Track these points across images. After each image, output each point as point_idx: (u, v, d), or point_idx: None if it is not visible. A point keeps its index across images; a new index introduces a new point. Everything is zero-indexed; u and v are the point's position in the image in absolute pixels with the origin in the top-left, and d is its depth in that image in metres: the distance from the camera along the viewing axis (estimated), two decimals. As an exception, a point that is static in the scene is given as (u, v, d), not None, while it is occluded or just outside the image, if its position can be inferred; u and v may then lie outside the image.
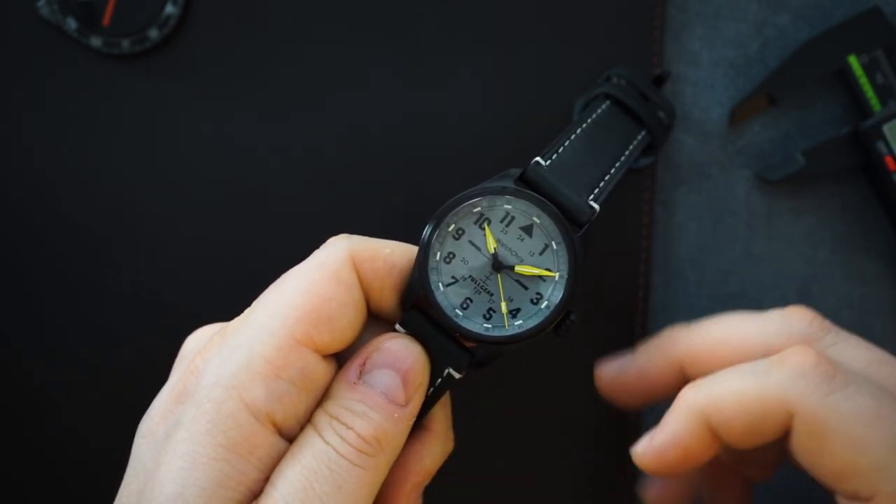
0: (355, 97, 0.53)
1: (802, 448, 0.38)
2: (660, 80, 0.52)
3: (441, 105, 0.53)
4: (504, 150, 0.53)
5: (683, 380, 0.43)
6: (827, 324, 0.42)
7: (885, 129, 0.52)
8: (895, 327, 0.55)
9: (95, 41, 0.52)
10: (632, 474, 0.52)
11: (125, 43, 0.52)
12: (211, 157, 0.53)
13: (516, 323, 0.38)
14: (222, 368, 0.35)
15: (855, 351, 0.41)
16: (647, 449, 0.41)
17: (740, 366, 0.40)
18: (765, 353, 0.40)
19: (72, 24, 0.52)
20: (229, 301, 0.41)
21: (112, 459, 0.42)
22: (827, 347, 0.41)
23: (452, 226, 0.38)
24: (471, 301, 0.38)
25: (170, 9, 0.52)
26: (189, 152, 0.53)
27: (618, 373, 0.46)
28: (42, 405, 0.54)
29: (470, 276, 0.38)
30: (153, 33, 0.52)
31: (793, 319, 0.42)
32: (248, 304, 0.38)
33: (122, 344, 0.54)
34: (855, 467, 0.37)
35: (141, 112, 0.53)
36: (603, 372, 0.47)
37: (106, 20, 0.52)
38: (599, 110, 0.47)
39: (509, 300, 0.38)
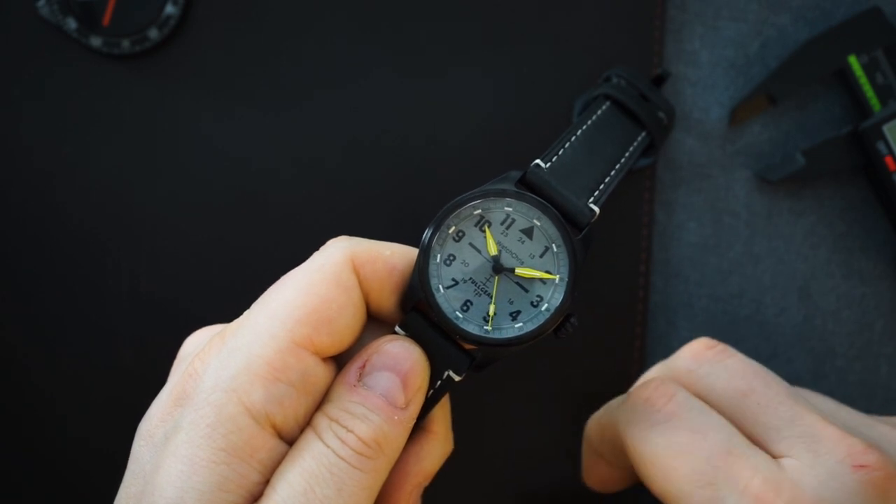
0: (355, 98, 0.53)
1: (636, 471, 0.42)
2: (659, 81, 0.52)
3: (441, 106, 0.53)
4: (504, 152, 0.53)
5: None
6: (710, 354, 0.44)
7: (885, 129, 0.52)
8: (895, 327, 0.55)
9: (95, 41, 0.52)
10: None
11: (125, 43, 0.52)
12: (211, 157, 0.53)
13: (516, 325, 0.38)
14: (222, 371, 0.35)
15: (724, 382, 0.43)
16: None
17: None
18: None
19: (72, 24, 0.52)
20: (229, 302, 0.41)
21: (111, 461, 0.42)
22: (699, 379, 0.43)
23: (453, 228, 0.38)
24: (471, 303, 0.38)
25: (170, 9, 0.52)
26: (189, 152, 0.53)
27: None
28: (41, 406, 0.54)
29: (470, 279, 0.38)
30: (153, 33, 0.52)
31: (679, 359, 0.45)
32: (248, 306, 0.38)
33: (121, 345, 0.54)
34: (664, 495, 0.40)
35: (141, 112, 0.53)
36: None
37: (106, 20, 0.52)
38: (599, 112, 0.47)
39: (509, 302, 0.38)
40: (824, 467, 0.39)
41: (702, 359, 0.44)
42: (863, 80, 0.53)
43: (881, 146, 0.52)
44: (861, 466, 0.39)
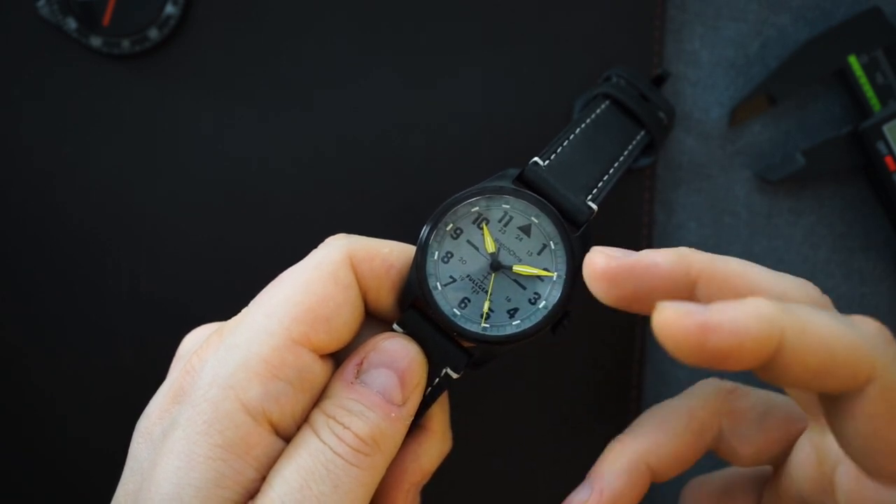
0: (355, 97, 0.53)
1: (866, 416, 0.34)
2: (659, 80, 0.52)
3: (441, 105, 0.53)
4: (505, 152, 0.53)
5: (688, 292, 0.37)
6: (830, 303, 0.38)
7: (885, 129, 0.52)
8: (895, 327, 0.55)
9: (95, 41, 0.52)
10: None
11: (125, 43, 0.52)
12: (210, 157, 0.53)
13: (514, 323, 0.38)
14: (219, 368, 0.35)
15: None
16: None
17: (817, 309, 0.34)
18: (781, 297, 0.36)
19: (72, 24, 0.52)
20: (228, 301, 0.41)
21: (111, 460, 0.42)
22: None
23: (450, 225, 0.38)
24: (469, 301, 0.38)
25: (170, 9, 0.52)
26: (189, 152, 0.53)
27: (621, 261, 0.37)
28: (41, 405, 0.54)
29: (468, 276, 0.38)
30: (153, 33, 0.52)
31: (806, 286, 0.38)
32: (246, 304, 0.38)
33: (121, 344, 0.54)
34: None
35: (141, 112, 0.53)
36: (602, 258, 0.37)
37: (106, 20, 0.52)
38: (598, 110, 0.47)
39: (507, 300, 0.38)
40: None
41: (825, 300, 0.38)
42: (863, 80, 0.53)
43: (881, 146, 0.52)
44: None
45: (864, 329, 0.33)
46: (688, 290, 0.36)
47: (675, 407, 0.42)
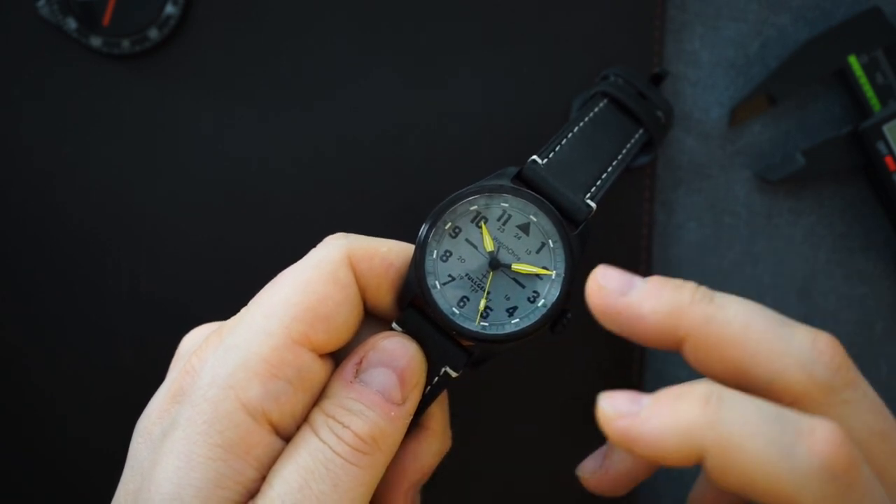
0: (354, 97, 0.53)
1: None
2: (657, 79, 0.52)
3: (440, 104, 0.53)
4: (504, 150, 0.53)
5: (676, 346, 0.36)
6: (850, 374, 0.35)
7: (885, 129, 0.52)
8: (895, 327, 0.55)
9: (95, 41, 0.52)
10: None
11: (125, 43, 0.52)
12: (210, 157, 0.53)
13: (513, 321, 0.38)
14: (219, 368, 0.35)
15: (864, 417, 0.35)
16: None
17: (765, 411, 0.32)
18: (774, 378, 0.34)
19: (72, 24, 0.52)
20: (228, 301, 0.41)
21: (111, 460, 0.42)
22: (839, 404, 0.35)
23: (449, 224, 0.38)
24: (467, 299, 0.38)
25: (170, 9, 0.52)
26: (189, 152, 0.53)
27: (609, 302, 0.36)
28: (41, 405, 0.54)
29: (466, 275, 0.38)
30: (153, 33, 0.52)
31: (821, 357, 0.35)
32: (246, 303, 0.38)
33: (121, 344, 0.54)
34: None
35: (141, 112, 0.53)
36: (595, 291, 0.36)
37: (106, 20, 0.52)
38: (597, 109, 0.47)
39: (506, 298, 0.38)
40: None
41: (841, 376, 0.34)
42: (863, 80, 0.53)
43: (881, 146, 0.52)
44: None
45: (807, 458, 0.31)
46: (676, 344, 0.36)
47: None
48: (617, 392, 0.33)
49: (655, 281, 0.36)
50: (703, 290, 0.35)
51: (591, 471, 0.43)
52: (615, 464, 0.43)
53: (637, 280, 0.36)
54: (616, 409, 0.33)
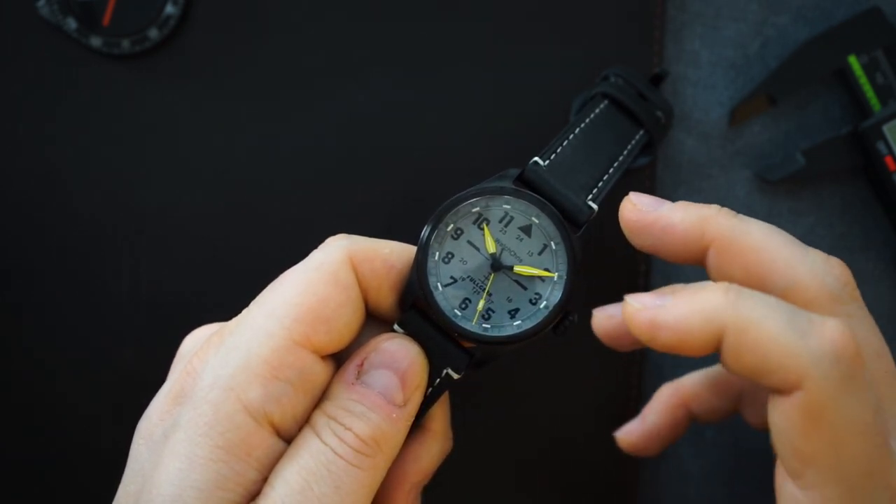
0: (354, 97, 0.53)
1: (784, 418, 0.35)
2: (657, 80, 0.52)
3: (441, 105, 0.53)
4: (504, 150, 0.53)
5: (700, 256, 0.39)
6: (855, 292, 0.39)
7: (885, 129, 0.52)
8: (895, 327, 0.55)
9: (95, 41, 0.52)
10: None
11: (125, 43, 0.52)
12: (210, 157, 0.53)
13: (515, 323, 0.38)
14: (220, 369, 0.35)
15: (865, 333, 0.38)
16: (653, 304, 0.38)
17: (780, 303, 0.35)
18: (790, 284, 0.37)
19: (72, 24, 0.52)
20: (229, 301, 0.41)
21: (110, 459, 0.42)
22: (844, 316, 0.38)
23: (451, 226, 0.38)
24: (469, 301, 0.38)
25: (170, 9, 0.52)
26: (189, 152, 0.53)
27: (642, 216, 0.40)
28: (41, 406, 0.54)
29: (468, 277, 0.38)
30: (153, 33, 0.52)
31: (832, 271, 0.38)
32: (247, 304, 0.38)
33: (120, 343, 0.54)
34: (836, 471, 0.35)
35: (141, 112, 0.53)
36: (628, 208, 0.41)
37: (106, 20, 0.52)
38: (597, 110, 0.47)
39: (508, 300, 0.38)
40: None
41: (848, 292, 0.38)
42: (863, 80, 0.53)
43: (881, 146, 0.52)
44: None
45: (818, 340, 0.34)
46: (702, 252, 0.39)
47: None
48: (639, 294, 0.37)
49: (683, 201, 0.39)
50: (730, 284, 0.36)
51: (629, 431, 0.50)
52: (650, 424, 0.50)
53: (666, 201, 0.40)
54: (642, 302, 0.37)
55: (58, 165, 0.53)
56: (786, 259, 0.38)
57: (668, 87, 0.54)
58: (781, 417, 0.35)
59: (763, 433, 0.53)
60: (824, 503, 0.35)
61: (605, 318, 0.46)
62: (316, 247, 0.38)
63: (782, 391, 0.34)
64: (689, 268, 0.54)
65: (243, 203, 0.53)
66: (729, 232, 0.38)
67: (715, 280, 0.39)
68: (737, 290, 0.35)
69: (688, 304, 0.36)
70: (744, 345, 0.34)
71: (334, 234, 0.39)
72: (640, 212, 0.40)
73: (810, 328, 0.34)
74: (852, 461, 0.34)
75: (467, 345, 0.38)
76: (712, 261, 0.39)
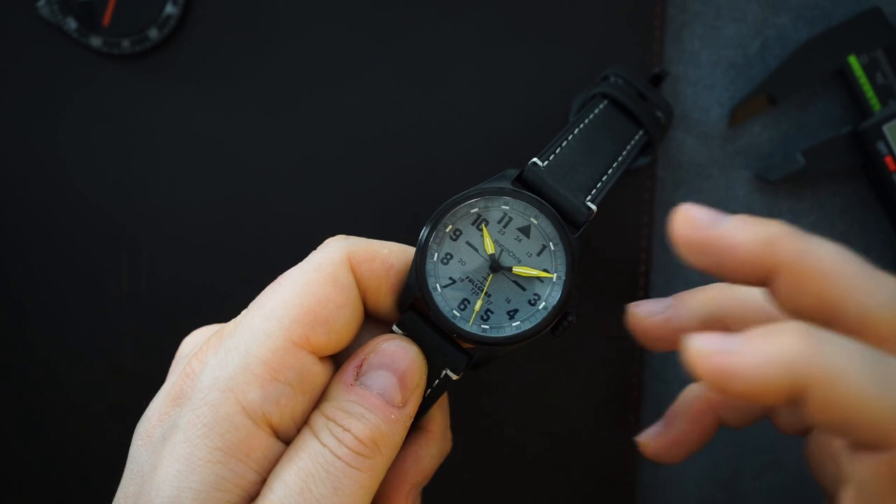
0: (354, 97, 0.53)
1: (875, 476, 0.32)
2: (657, 80, 0.52)
3: (440, 105, 0.53)
4: (504, 151, 0.53)
5: (764, 280, 0.35)
6: None
7: (885, 129, 0.52)
8: (895, 327, 0.55)
9: (95, 41, 0.52)
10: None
11: (125, 43, 0.52)
12: (210, 157, 0.53)
13: (514, 324, 0.38)
14: (219, 371, 0.35)
15: None
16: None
17: (864, 349, 0.32)
18: (863, 318, 0.33)
19: (72, 24, 0.52)
20: (229, 302, 0.41)
21: (110, 461, 0.42)
22: None
23: (450, 227, 0.38)
24: (468, 302, 0.38)
25: (170, 9, 0.52)
26: (189, 152, 0.53)
27: (701, 234, 0.35)
28: (40, 406, 0.54)
29: (467, 278, 0.38)
30: (153, 33, 0.52)
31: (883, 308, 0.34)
32: (246, 305, 0.38)
33: (119, 344, 0.54)
34: None
35: (141, 112, 0.53)
36: (685, 225, 0.36)
37: (106, 20, 0.52)
38: (597, 110, 0.47)
39: (507, 301, 0.38)
40: None
41: None
42: (863, 80, 0.53)
43: (881, 146, 0.52)
44: None
45: None
46: (767, 276, 0.35)
47: None
48: (703, 333, 0.32)
49: (744, 216, 0.35)
50: (807, 326, 0.32)
51: (652, 436, 0.45)
52: (676, 431, 0.45)
53: (724, 215, 0.35)
54: (711, 345, 0.32)
55: (58, 165, 0.53)
56: (861, 288, 0.33)
57: (668, 87, 0.54)
58: (867, 473, 0.32)
59: (767, 434, 0.53)
60: None
61: (641, 316, 0.42)
62: (315, 247, 0.38)
63: (869, 448, 0.32)
64: (690, 270, 0.54)
65: (243, 203, 0.53)
66: (800, 259, 0.34)
67: (781, 307, 0.35)
68: (817, 334, 0.31)
69: (766, 349, 0.31)
70: (830, 401, 0.31)
71: (333, 234, 0.39)
72: (697, 228, 0.35)
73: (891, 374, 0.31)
74: None
75: (466, 345, 0.38)
76: (780, 288, 0.35)
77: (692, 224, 0.35)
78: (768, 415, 0.45)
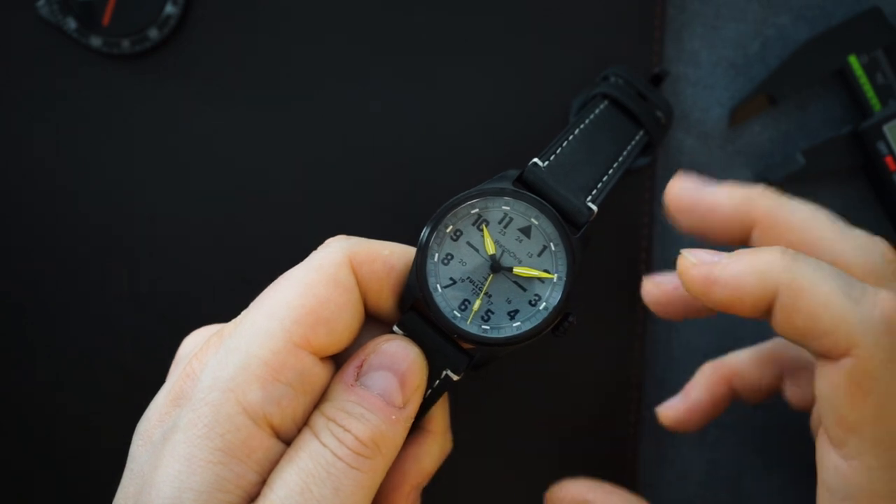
0: (355, 98, 0.53)
1: (831, 384, 0.35)
2: (657, 79, 0.52)
3: (440, 106, 0.53)
4: (504, 152, 0.53)
5: (745, 236, 0.41)
6: None
7: (885, 129, 0.52)
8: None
9: (95, 41, 0.52)
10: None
11: (125, 43, 0.52)
12: (211, 157, 0.53)
13: (514, 325, 0.38)
14: (219, 371, 0.35)
15: None
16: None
17: (836, 270, 0.36)
18: (836, 257, 0.38)
19: (72, 24, 0.52)
20: (229, 301, 0.41)
21: (110, 460, 0.42)
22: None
23: (450, 227, 0.38)
24: (469, 302, 0.38)
25: (170, 9, 0.52)
26: (189, 152, 0.53)
27: (686, 196, 0.42)
28: (41, 407, 0.54)
29: (468, 278, 0.38)
30: (153, 33, 0.52)
31: (877, 247, 0.39)
32: (246, 305, 0.38)
33: (121, 345, 0.54)
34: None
35: (141, 112, 0.53)
36: (675, 188, 0.42)
37: (106, 20, 0.52)
38: (597, 110, 0.47)
39: (507, 301, 0.38)
40: None
41: (892, 269, 0.38)
42: (863, 80, 0.53)
43: (881, 146, 0.52)
44: None
45: (870, 308, 0.35)
46: (747, 231, 0.40)
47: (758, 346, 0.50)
48: (696, 249, 0.38)
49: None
50: (786, 248, 0.37)
51: (671, 406, 0.51)
52: (693, 400, 0.50)
53: (711, 182, 0.41)
54: (698, 258, 0.38)
55: (57, 166, 0.53)
56: (830, 237, 0.38)
57: (668, 87, 0.54)
58: (828, 384, 0.35)
59: (766, 431, 0.53)
60: (866, 472, 0.35)
61: (654, 286, 0.46)
62: (315, 247, 0.38)
63: (831, 356, 0.35)
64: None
65: (243, 203, 0.53)
66: (774, 211, 0.39)
67: None
68: (793, 252, 0.36)
69: (745, 262, 0.36)
70: (797, 306, 0.35)
71: (334, 234, 0.39)
72: (685, 191, 0.41)
73: (864, 296, 0.35)
74: None
75: (467, 346, 0.38)
76: (757, 240, 0.40)
77: (683, 187, 0.41)
78: (780, 388, 0.47)
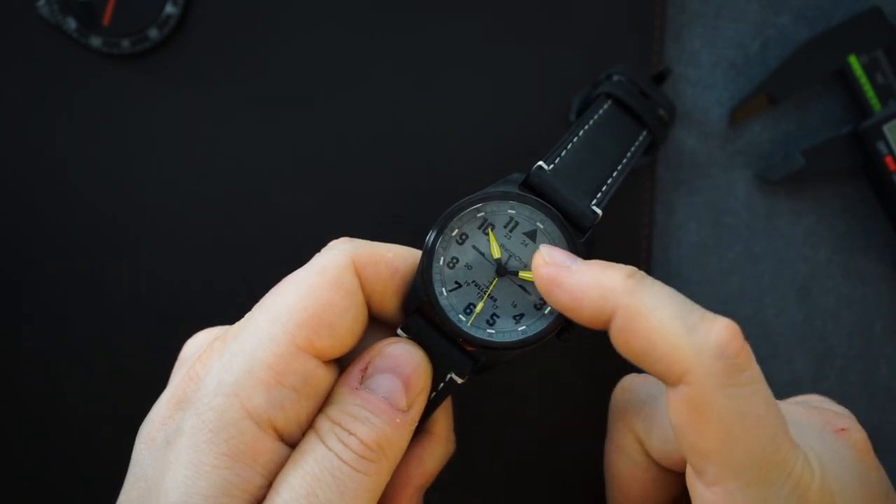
0: (356, 99, 0.53)
1: (673, 411, 0.35)
2: (661, 77, 0.52)
3: (441, 105, 0.53)
4: (505, 152, 0.53)
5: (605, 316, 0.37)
6: (749, 358, 0.36)
7: (885, 129, 0.52)
8: (895, 327, 0.55)
9: (95, 41, 0.52)
10: None
11: (125, 43, 0.52)
12: (211, 158, 0.53)
13: (519, 328, 0.38)
14: (223, 375, 0.35)
15: (758, 402, 0.36)
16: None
17: (677, 296, 0.36)
18: (683, 372, 0.35)
19: (72, 24, 0.52)
20: (230, 303, 0.41)
21: (111, 462, 0.42)
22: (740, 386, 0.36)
23: (456, 231, 0.38)
24: (474, 306, 0.38)
25: (170, 9, 0.52)
26: (189, 152, 0.53)
27: (554, 270, 0.38)
28: (41, 408, 0.54)
29: (473, 282, 0.38)
30: (153, 33, 0.52)
31: (719, 348, 0.35)
32: (250, 307, 0.38)
33: (121, 346, 0.54)
34: (707, 457, 0.35)
35: (141, 112, 0.53)
36: (542, 266, 0.38)
37: (106, 20, 0.52)
38: (601, 111, 0.46)
39: (512, 305, 0.38)
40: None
41: (739, 361, 0.35)
42: (863, 80, 0.53)
43: (881, 146, 0.52)
44: (842, 430, 0.39)
45: (704, 335, 0.34)
46: (608, 319, 0.37)
47: None
48: (556, 248, 0.37)
49: (595, 261, 0.38)
50: (637, 271, 0.37)
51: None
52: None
53: (577, 259, 0.38)
54: (552, 257, 0.37)
55: (58, 165, 0.53)
56: (672, 346, 0.35)
57: (669, 87, 0.54)
58: (674, 412, 0.35)
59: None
60: (728, 496, 0.35)
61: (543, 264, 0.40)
62: (317, 249, 0.38)
63: (669, 383, 0.35)
64: (690, 270, 0.55)
65: (244, 203, 0.53)
66: (624, 311, 0.36)
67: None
68: (640, 277, 0.36)
69: (590, 275, 0.36)
70: (633, 328, 0.35)
71: (337, 236, 0.39)
72: (548, 270, 0.37)
73: (700, 323, 0.35)
74: (747, 454, 0.34)
75: (471, 349, 0.38)
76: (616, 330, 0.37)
77: (545, 268, 0.38)
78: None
